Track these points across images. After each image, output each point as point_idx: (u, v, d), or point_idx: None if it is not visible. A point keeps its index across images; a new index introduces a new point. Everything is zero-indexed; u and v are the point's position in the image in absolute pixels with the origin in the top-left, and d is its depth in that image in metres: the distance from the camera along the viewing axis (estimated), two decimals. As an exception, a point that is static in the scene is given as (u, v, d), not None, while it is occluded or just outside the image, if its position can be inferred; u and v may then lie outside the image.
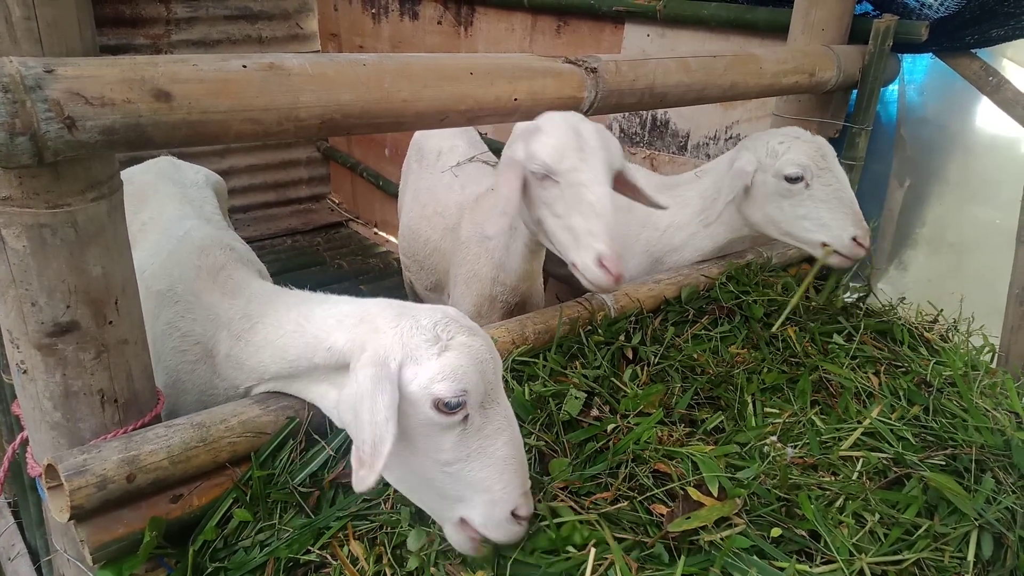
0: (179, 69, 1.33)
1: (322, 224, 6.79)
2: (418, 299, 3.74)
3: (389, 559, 1.47)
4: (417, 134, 3.44)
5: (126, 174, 2.62)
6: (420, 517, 1.53)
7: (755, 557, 1.43)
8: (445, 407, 1.32)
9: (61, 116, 1.19)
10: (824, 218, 2.48)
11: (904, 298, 2.80)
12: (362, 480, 1.29)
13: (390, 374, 1.33)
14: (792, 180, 2.47)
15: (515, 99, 1.83)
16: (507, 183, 1.99)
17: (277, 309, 1.67)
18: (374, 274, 5.72)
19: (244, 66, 1.40)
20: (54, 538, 1.78)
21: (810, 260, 3.25)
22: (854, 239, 2.46)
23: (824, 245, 2.51)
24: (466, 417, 1.36)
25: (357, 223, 6.88)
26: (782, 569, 1.41)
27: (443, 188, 2.95)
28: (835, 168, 2.49)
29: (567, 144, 1.89)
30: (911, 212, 3.34)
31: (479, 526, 1.38)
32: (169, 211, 2.27)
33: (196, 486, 1.57)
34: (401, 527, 1.51)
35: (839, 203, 2.47)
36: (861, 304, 2.71)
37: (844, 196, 2.48)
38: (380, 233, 6.55)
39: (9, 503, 2.93)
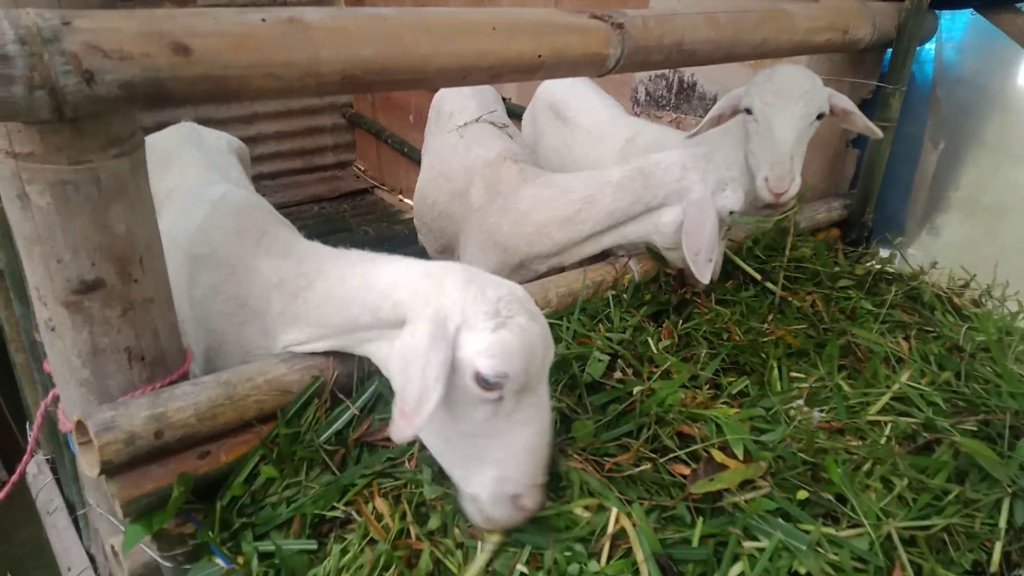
0: (198, 22, 1.31)
1: (348, 191, 6.81)
2: (432, 261, 3.72)
3: (412, 517, 1.49)
4: (437, 95, 3.39)
5: (147, 140, 2.63)
6: (442, 478, 1.54)
7: (780, 520, 1.42)
8: (484, 382, 1.33)
9: (79, 70, 1.18)
10: (756, 154, 2.49)
11: (936, 263, 2.74)
12: (400, 431, 1.32)
13: (447, 334, 1.34)
14: (747, 111, 2.51)
15: (539, 55, 1.78)
16: (713, 232, 2.15)
17: (339, 266, 1.68)
18: (400, 240, 5.73)
19: (263, 20, 1.38)
20: (88, 493, 1.83)
21: (839, 225, 3.19)
22: (765, 180, 2.43)
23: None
24: (501, 398, 1.36)
25: (382, 190, 6.88)
26: (807, 532, 1.39)
27: (449, 150, 2.90)
28: (783, 105, 2.41)
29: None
30: (945, 175, 3.24)
31: (484, 502, 1.39)
32: (195, 177, 2.27)
33: (223, 443, 1.59)
34: (423, 486, 1.52)
35: (769, 139, 2.43)
36: (888, 269, 2.65)
37: (776, 133, 2.42)
38: (405, 200, 6.54)
39: (48, 459, 3.01)
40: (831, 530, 1.44)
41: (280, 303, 1.73)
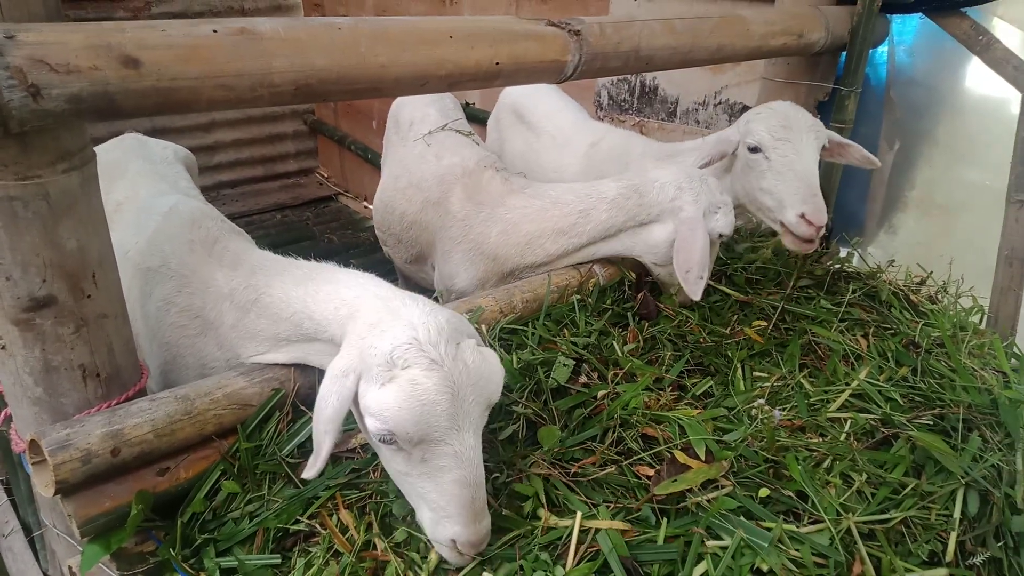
0: (147, 35, 1.30)
1: (311, 198, 6.74)
2: (400, 272, 3.71)
3: (377, 528, 1.48)
4: (395, 104, 3.37)
5: None
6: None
7: (742, 518, 1.44)
8: (376, 439, 1.34)
9: (25, 84, 1.16)
10: (779, 191, 2.39)
11: (893, 261, 2.80)
12: (308, 468, 1.37)
13: (341, 389, 1.33)
14: (752, 150, 2.43)
15: (496, 63, 1.79)
16: (703, 249, 2.14)
17: (285, 283, 1.65)
18: (365, 247, 5.69)
19: (215, 31, 1.37)
20: (43, 513, 1.78)
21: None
22: (801, 216, 2.32)
23: (783, 225, 2.42)
24: (402, 449, 1.33)
25: (346, 197, 6.83)
26: (769, 529, 1.41)
27: (415, 159, 2.87)
28: (796, 139, 2.38)
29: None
30: (901, 175, 3.31)
31: (427, 536, 1.40)
32: (144, 188, 2.23)
33: (183, 459, 1.56)
34: (388, 497, 1.51)
35: (792, 176, 2.36)
36: (847, 268, 2.70)
37: (797, 168, 2.36)
38: (369, 207, 6.50)
39: (2, 481, 2.92)
40: (792, 527, 1.46)
41: (232, 316, 1.72)
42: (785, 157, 2.38)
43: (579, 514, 1.43)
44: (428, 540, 1.41)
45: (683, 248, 2.16)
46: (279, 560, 1.45)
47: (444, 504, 1.33)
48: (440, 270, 2.71)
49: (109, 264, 1.52)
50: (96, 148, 2.52)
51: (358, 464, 1.61)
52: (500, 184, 2.54)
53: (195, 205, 2.05)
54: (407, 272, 3.18)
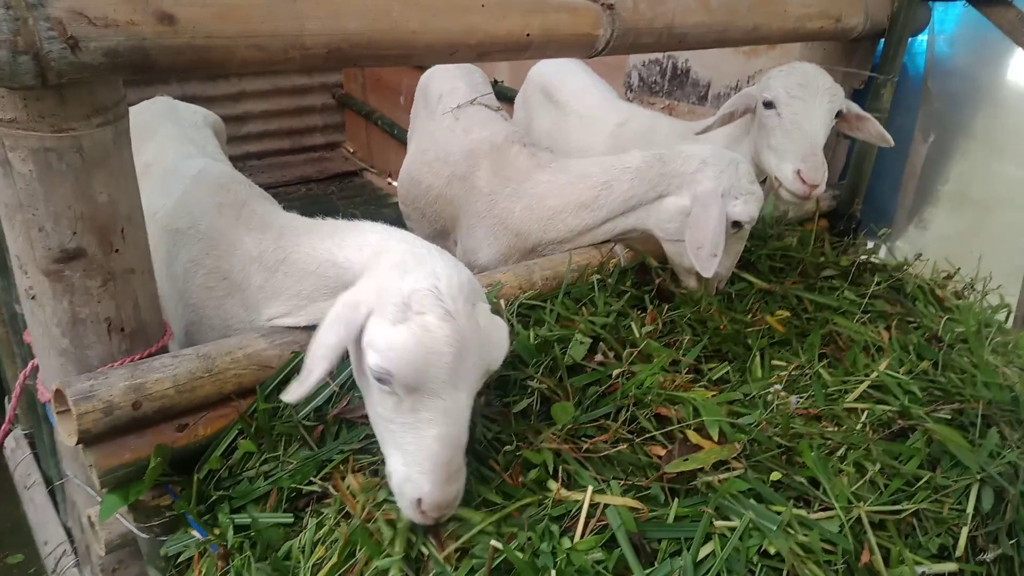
0: (183, -9, 1.31)
1: (336, 172, 6.76)
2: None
3: (388, 492, 1.49)
4: (424, 76, 3.35)
5: None
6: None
7: (752, 501, 1.44)
8: (373, 373, 1.31)
9: (64, 36, 1.17)
10: (781, 146, 2.42)
11: (920, 255, 2.76)
12: (289, 392, 1.36)
13: (350, 319, 1.32)
14: (767, 105, 2.45)
15: (527, 34, 1.78)
16: (718, 227, 2.09)
17: (312, 239, 1.67)
18: (387, 223, 5.67)
19: (249, -9, 1.37)
20: (65, 464, 1.83)
21: (827, 215, 3.21)
22: (797, 173, 2.36)
23: (778, 181, 2.47)
24: (395, 393, 1.32)
25: (371, 172, 6.84)
26: (778, 513, 1.41)
27: (444, 132, 2.86)
28: (810, 98, 2.39)
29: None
30: (934, 167, 3.25)
31: (392, 487, 1.37)
32: (172, 151, 2.25)
33: (202, 416, 1.59)
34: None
35: (798, 132, 2.38)
36: (873, 260, 2.67)
37: (804, 126, 2.38)
38: (393, 183, 6.51)
39: (26, 434, 3.00)
40: (802, 512, 1.46)
41: (259, 277, 1.73)
42: (796, 115, 2.40)
43: (590, 488, 1.43)
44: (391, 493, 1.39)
45: (696, 223, 2.12)
46: (291, 520, 1.48)
47: (420, 459, 1.31)
48: (463, 245, 2.71)
49: (138, 220, 1.54)
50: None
51: (368, 429, 1.63)
52: (527, 159, 2.53)
53: (223, 169, 2.07)
54: None
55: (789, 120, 2.40)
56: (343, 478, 1.53)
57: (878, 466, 1.63)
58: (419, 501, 1.31)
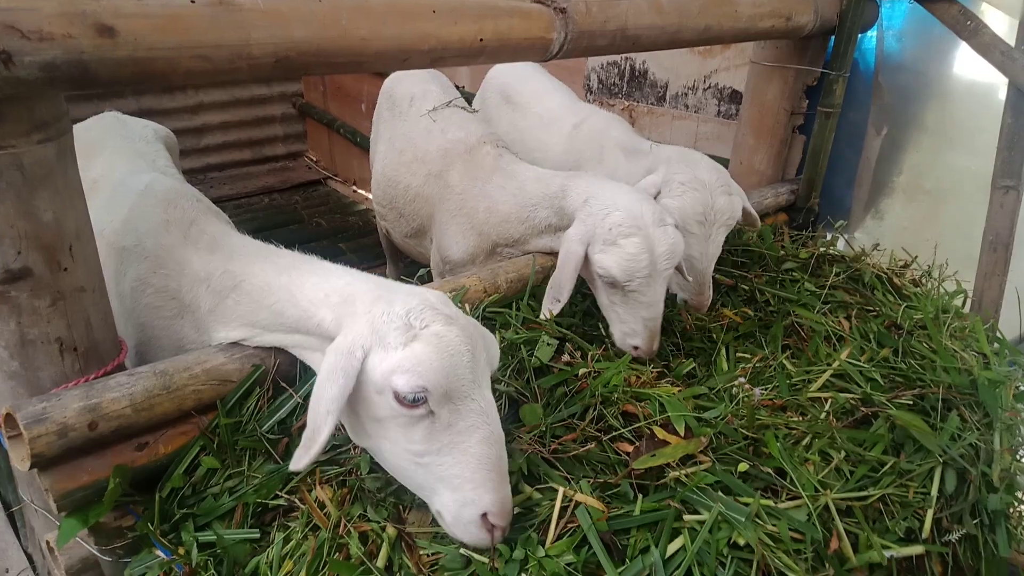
0: (123, 3, 1.28)
1: (299, 182, 6.69)
2: (395, 250, 3.70)
3: (363, 509, 1.47)
4: (387, 82, 3.35)
5: None
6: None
7: (721, 493, 1.44)
8: (405, 400, 1.29)
9: (-4, 50, 1.14)
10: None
11: (878, 245, 2.81)
12: (296, 460, 1.32)
13: (347, 365, 1.31)
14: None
15: (480, 39, 1.78)
16: (567, 274, 2.03)
17: (266, 271, 1.63)
18: (353, 232, 5.66)
19: (192, 0, 1.35)
20: (21, 489, 1.77)
21: (786, 210, 3.26)
22: (685, 302, 2.26)
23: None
24: (431, 412, 1.31)
25: (335, 181, 6.79)
26: (746, 504, 1.42)
27: (421, 133, 2.89)
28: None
29: (639, 266, 1.96)
30: (888, 160, 3.32)
31: (448, 524, 1.34)
32: (121, 167, 2.20)
33: (162, 434, 1.56)
34: (363, 470, 1.51)
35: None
36: (831, 252, 2.71)
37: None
38: (359, 191, 6.47)
39: (-19, 461, 2.91)
40: (769, 502, 1.47)
41: (209, 300, 1.70)
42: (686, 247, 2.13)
43: (561, 490, 1.43)
44: (448, 531, 1.36)
45: (558, 263, 2.08)
46: (258, 535, 1.46)
47: (471, 474, 1.30)
48: (437, 242, 2.72)
49: (87, 237, 1.51)
50: (74, 127, 2.53)
51: (338, 440, 1.61)
52: (492, 160, 2.55)
53: (171, 184, 2.03)
54: (406, 247, 3.19)
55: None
56: (310, 491, 1.51)
57: (843, 453, 1.65)
58: (484, 517, 1.30)
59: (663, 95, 3.88)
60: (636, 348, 2.03)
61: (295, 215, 6.01)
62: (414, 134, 2.93)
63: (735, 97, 3.57)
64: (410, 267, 3.79)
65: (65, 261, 1.44)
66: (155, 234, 1.84)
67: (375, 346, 1.33)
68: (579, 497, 1.40)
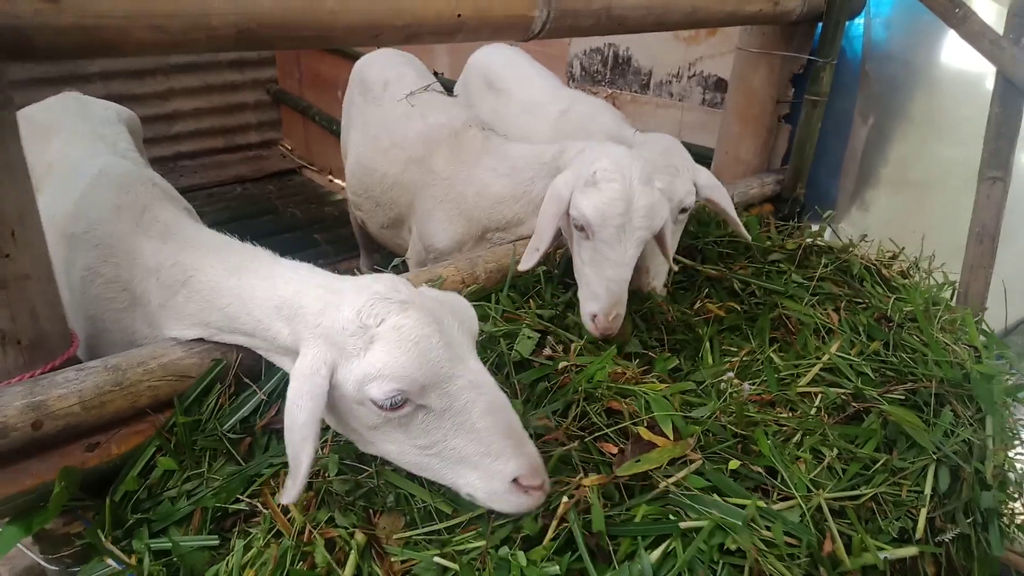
0: (66, -37, 1.17)
1: (273, 171, 6.54)
2: (370, 241, 3.59)
3: (330, 513, 1.38)
4: (358, 65, 3.24)
5: (25, 112, 2.42)
6: (358, 462, 1.44)
7: (716, 496, 1.37)
8: (385, 406, 1.22)
9: (-81, 10, 1.03)
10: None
11: (865, 236, 2.75)
12: (286, 492, 1.24)
13: (312, 388, 1.23)
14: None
15: (458, 15, 1.68)
16: (548, 218, 1.95)
17: (216, 268, 1.52)
18: (329, 222, 5.53)
19: (144, -37, 1.24)
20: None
21: (772, 200, 3.20)
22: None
23: None
24: (421, 406, 1.24)
25: (310, 170, 6.64)
26: (742, 507, 1.35)
27: (399, 119, 2.78)
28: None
29: (614, 211, 1.86)
30: (874, 150, 3.27)
31: (485, 503, 1.29)
32: (78, 150, 2.08)
33: (114, 433, 1.46)
34: (330, 471, 1.42)
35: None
36: (819, 243, 2.65)
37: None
38: (335, 180, 6.33)
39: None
40: (762, 503, 1.40)
41: (159, 295, 1.60)
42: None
43: (573, 482, 1.34)
44: (489, 510, 1.31)
45: (541, 209, 2.01)
46: (217, 541, 1.36)
47: (486, 446, 1.24)
48: (420, 230, 2.61)
49: (32, 222, 1.39)
50: (31, 107, 2.40)
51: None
52: (480, 143, 2.46)
53: (126, 167, 1.90)
54: (382, 238, 3.08)
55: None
56: (273, 494, 1.41)
57: (835, 451, 1.58)
58: (515, 482, 1.25)
59: (647, 83, 3.80)
60: (595, 317, 1.89)
61: (269, 205, 5.86)
62: (390, 120, 2.82)
63: (720, 85, 3.50)
64: (386, 258, 3.69)
65: (7, 247, 1.33)
66: (106, 221, 1.73)
67: (339, 359, 1.24)
68: (587, 483, 1.32)
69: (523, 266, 2.00)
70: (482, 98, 3.24)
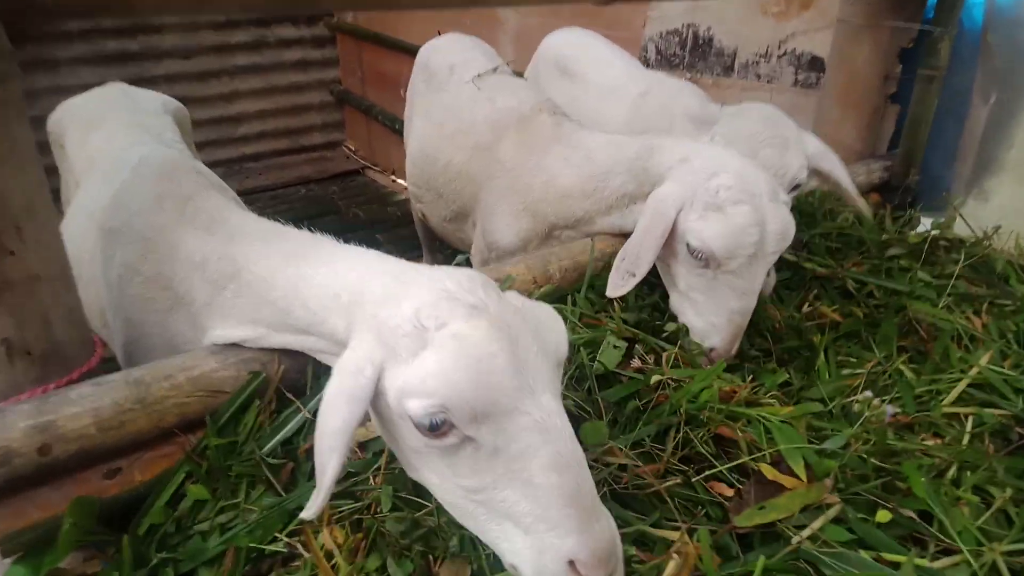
0: None
1: (337, 172, 6.49)
2: (432, 237, 3.40)
3: (382, 560, 1.15)
4: (422, 51, 3.06)
5: (69, 103, 2.31)
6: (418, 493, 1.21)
7: (862, 552, 1.07)
8: (423, 427, 0.98)
9: None
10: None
11: (1000, 227, 2.38)
12: (309, 505, 1.04)
13: (353, 389, 1.01)
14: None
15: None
16: (652, 240, 1.68)
17: (270, 258, 1.33)
18: (392, 222, 5.41)
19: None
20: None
21: (879, 189, 2.84)
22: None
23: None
24: (467, 438, 0.98)
25: (374, 171, 6.55)
26: (896, 566, 1.05)
27: (466, 103, 2.58)
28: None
29: (747, 242, 1.61)
30: (996, 132, 2.88)
31: None
32: (121, 141, 1.93)
33: (138, 457, 1.26)
34: (383, 507, 1.19)
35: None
36: (946, 236, 2.30)
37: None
38: (398, 180, 6.20)
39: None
40: (924, 561, 1.10)
41: (204, 293, 1.40)
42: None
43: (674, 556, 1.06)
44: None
45: (638, 228, 1.73)
46: (250, 590, 1.14)
47: (542, 509, 0.96)
48: (483, 226, 2.39)
49: (43, 215, 1.21)
50: (74, 99, 2.27)
51: (355, 467, 1.29)
52: (551, 129, 2.21)
53: (168, 155, 1.73)
54: (444, 232, 2.87)
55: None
56: (317, 533, 1.19)
57: (1008, 491, 1.26)
58: (572, 566, 0.95)
59: (731, 64, 3.48)
60: (712, 350, 1.67)
61: (332, 206, 5.80)
62: (457, 104, 2.61)
63: (815, 64, 3.16)
64: (449, 257, 3.49)
65: (12, 243, 1.15)
66: (147, 212, 1.55)
67: (388, 360, 1.01)
68: (692, 550, 1.04)
69: (613, 292, 1.72)
70: (554, 85, 3.00)
